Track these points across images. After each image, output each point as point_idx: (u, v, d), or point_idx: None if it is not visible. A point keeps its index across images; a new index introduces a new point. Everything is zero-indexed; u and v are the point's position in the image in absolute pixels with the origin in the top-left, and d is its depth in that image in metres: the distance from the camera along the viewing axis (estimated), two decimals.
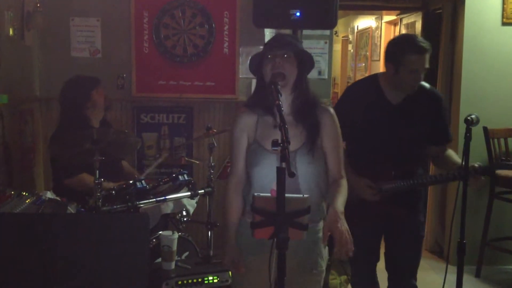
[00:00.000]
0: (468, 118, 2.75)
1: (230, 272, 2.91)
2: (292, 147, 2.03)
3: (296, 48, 2.29)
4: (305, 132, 2.27)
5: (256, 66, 2.33)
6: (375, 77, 2.99)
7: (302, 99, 2.30)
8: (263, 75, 2.29)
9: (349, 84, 8.80)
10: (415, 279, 3.07)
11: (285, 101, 2.26)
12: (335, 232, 2.11)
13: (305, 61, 2.31)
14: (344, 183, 2.32)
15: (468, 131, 2.73)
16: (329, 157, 2.32)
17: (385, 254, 3.10)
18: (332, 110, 2.36)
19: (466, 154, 2.72)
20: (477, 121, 2.78)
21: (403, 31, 6.08)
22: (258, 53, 2.33)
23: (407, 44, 2.80)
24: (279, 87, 2.16)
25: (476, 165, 2.78)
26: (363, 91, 2.98)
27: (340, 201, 2.22)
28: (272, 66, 2.24)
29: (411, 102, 2.86)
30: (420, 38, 2.88)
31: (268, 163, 2.23)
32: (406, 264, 3.05)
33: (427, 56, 2.76)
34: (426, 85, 2.93)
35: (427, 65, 2.77)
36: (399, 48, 2.82)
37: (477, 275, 4.38)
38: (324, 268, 2.36)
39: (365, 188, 2.87)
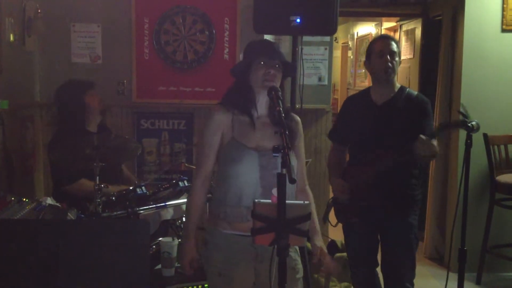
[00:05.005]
0: (469, 125, 2.75)
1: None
2: (269, 145, 2.08)
3: (283, 57, 2.36)
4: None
5: (241, 69, 2.36)
6: (367, 88, 3.19)
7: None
8: (247, 78, 2.32)
9: (349, 90, 8.86)
10: (410, 283, 3.06)
11: (265, 103, 2.33)
12: (328, 265, 2.41)
13: (287, 69, 2.38)
14: (311, 194, 2.48)
15: (469, 137, 2.72)
16: (297, 163, 2.38)
17: (381, 257, 3.15)
18: (298, 118, 2.46)
19: (466, 161, 2.72)
20: (478, 127, 2.77)
21: (403, 38, 6.09)
22: (244, 60, 2.37)
23: (373, 39, 3.20)
24: (279, 93, 2.20)
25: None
26: (356, 100, 3.22)
27: (319, 235, 2.44)
28: (265, 74, 2.27)
29: (394, 103, 3.02)
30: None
31: (249, 159, 2.24)
32: (398, 267, 3.07)
33: (392, 42, 3.01)
34: (414, 92, 3.12)
35: (393, 49, 2.98)
36: (369, 45, 3.12)
37: (478, 282, 4.36)
38: (301, 264, 2.40)
39: (336, 186, 3.12)
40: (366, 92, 3.16)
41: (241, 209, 2.23)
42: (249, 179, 2.23)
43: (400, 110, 3.00)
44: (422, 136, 2.76)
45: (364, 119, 3.06)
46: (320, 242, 2.41)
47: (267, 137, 2.26)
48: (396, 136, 2.97)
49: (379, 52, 2.98)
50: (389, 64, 2.96)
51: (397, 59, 2.99)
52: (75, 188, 3.36)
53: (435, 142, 2.82)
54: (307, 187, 2.48)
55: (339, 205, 3.17)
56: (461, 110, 2.85)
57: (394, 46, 2.99)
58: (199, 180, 2.35)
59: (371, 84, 3.19)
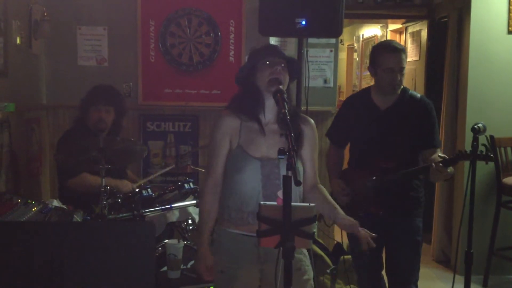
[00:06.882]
0: (475, 127, 2.75)
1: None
2: (275, 154, 2.04)
3: (287, 58, 2.34)
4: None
5: (246, 74, 2.34)
6: (367, 89, 3.16)
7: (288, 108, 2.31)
8: (254, 81, 2.30)
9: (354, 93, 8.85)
10: (415, 285, 3.06)
11: (272, 109, 2.31)
12: (360, 233, 2.28)
13: (292, 73, 2.36)
14: (323, 188, 2.44)
15: (475, 140, 2.72)
16: (307, 163, 2.39)
17: (386, 260, 3.14)
18: (312, 121, 2.44)
19: (473, 163, 2.71)
20: (484, 129, 2.77)
21: (409, 40, 6.08)
22: (248, 63, 2.35)
23: (381, 46, 3.06)
24: (285, 96, 2.18)
25: (439, 157, 2.79)
26: (356, 101, 3.19)
27: (340, 210, 2.36)
28: (271, 72, 2.26)
29: (398, 108, 2.99)
30: (396, 41, 3.20)
31: (252, 169, 2.25)
32: (404, 269, 3.06)
33: (402, 56, 2.92)
34: (417, 94, 3.07)
35: (402, 65, 2.92)
36: (375, 51, 3.03)
37: (485, 284, 4.34)
38: (309, 266, 2.36)
39: (336, 187, 3.05)
40: (366, 93, 3.11)
41: (244, 214, 2.26)
42: (252, 188, 2.25)
43: (405, 115, 2.97)
44: (438, 163, 2.71)
45: (368, 124, 3.03)
46: (343, 215, 2.33)
47: (275, 145, 2.24)
48: (401, 141, 2.95)
49: (389, 68, 2.91)
50: (399, 81, 2.93)
51: (404, 72, 2.96)
52: (78, 182, 3.35)
53: (449, 170, 2.77)
54: (319, 185, 2.45)
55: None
56: (487, 144, 2.82)
57: (404, 61, 2.93)
58: (210, 184, 2.34)
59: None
